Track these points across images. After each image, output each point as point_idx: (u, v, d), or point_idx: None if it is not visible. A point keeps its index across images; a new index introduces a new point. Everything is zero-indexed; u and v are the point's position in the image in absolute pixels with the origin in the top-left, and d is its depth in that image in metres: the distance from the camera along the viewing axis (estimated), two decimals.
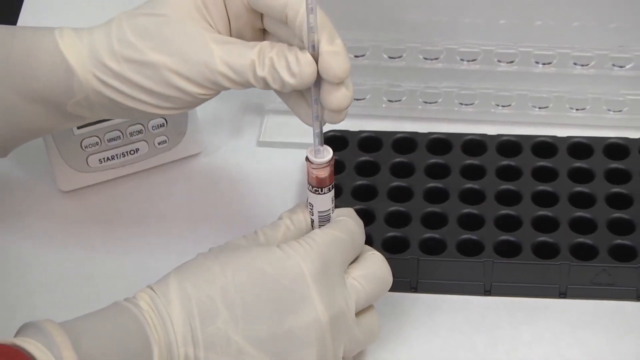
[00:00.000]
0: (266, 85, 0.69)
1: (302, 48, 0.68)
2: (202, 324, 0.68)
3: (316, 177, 0.72)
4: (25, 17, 0.98)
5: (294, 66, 0.67)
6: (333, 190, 0.73)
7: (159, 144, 0.86)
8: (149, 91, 0.70)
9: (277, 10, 0.68)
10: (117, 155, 0.85)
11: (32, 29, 0.72)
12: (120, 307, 0.68)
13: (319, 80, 0.68)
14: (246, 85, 0.69)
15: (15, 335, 0.65)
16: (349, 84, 0.68)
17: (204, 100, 0.71)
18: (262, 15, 0.71)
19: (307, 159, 0.71)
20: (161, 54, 0.69)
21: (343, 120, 0.69)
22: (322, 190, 0.72)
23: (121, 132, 0.84)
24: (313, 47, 0.67)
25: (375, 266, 0.72)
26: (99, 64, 0.70)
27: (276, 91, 0.71)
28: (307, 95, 0.70)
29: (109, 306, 0.68)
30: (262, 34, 0.72)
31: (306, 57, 0.67)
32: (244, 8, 0.70)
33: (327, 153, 0.71)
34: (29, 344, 0.63)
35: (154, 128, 0.85)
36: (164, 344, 0.67)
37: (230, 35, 0.71)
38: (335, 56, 0.67)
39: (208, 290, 0.68)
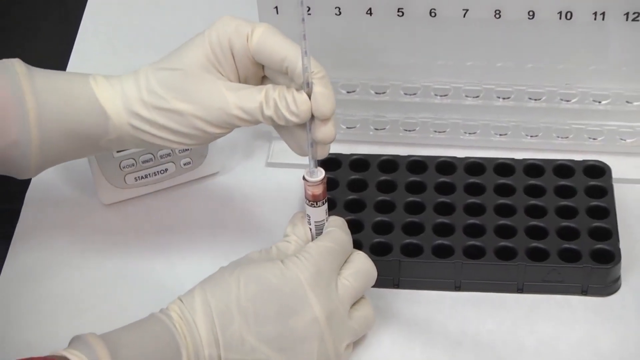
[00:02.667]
0: (272, 122, 0.70)
1: (298, 89, 0.69)
2: (221, 328, 0.68)
3: (312, 193, 0.72)
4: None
5: (293, 106, 0.69)
6: (327, 204, 0.73)
7: (184, 164, 0.86)
8: (175, 132, 0.71)
9: (277, 63, 0.70)
10: (149, 174, 0.85)
11: (69, 75, 0.73)
12: (154, 318, 0.69)
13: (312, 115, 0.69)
14: (256, 123, 0.71)
15: (67, 347, 0.65)
16: (334, 122, 0.70)
17: (220, 137, 0.72)
18: (263, 66, 0.72)
19: (304, 178, 0.72)
20: (185, 103, 0.70)
21: (326, 155, 0.71)
22: (317, 204, 0.73)
23: (153, 155, 0.84)
24: (307, 84, 0.68)
25: (360, 263, 0.73)
26: (131, 110, 0.71)
27: (275, 127, 0.72)
28: (298, 130, 0.71)
29: (146, 318, 0.69)
30: (265, 78, 0.73)
31: (302, 97, 0.69)
32: (249, 61, 0.71)
33: (320, 173, 0.72)
34: (75, 356, 0.64)
35: (180, 152, 0.85)
36: (192, 347, 0.68)
37: (239, 81, 0.72)
38: (325, 98, 0.69)
39: (225, 300, 0.69)
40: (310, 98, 0.69)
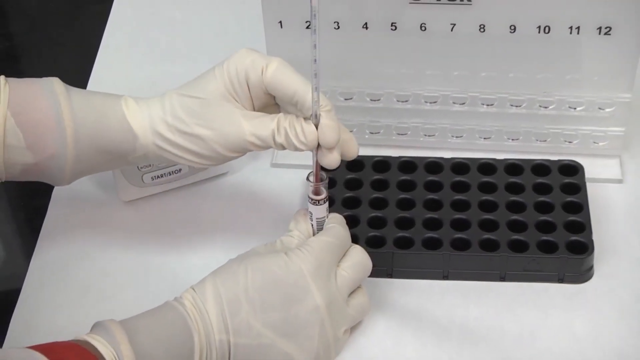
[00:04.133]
0: (283, 148, 0.71)
1: (307, 119, 0.70)
2: (231, 315, 0.68)
3: (314, 192, 0.72)
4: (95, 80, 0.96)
5: (302, 136, 0.69)
6: (327, 202, 0.73)
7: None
8: (195, 153, 0.72)
9: (288, 96, 0.70)
10: (165, 174, 0.84)
11: (103, 95, 0.74)
12: (169, 305, 0.68)
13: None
14: (267, 148, 0.72)
15: (89, 332, 0.66)
16: (339, 149, 0.71)
17: (234, 159, 0.73)
18: (275, 97, 0.73)
19: (307, 178, 0.72)
20: (205, 129, 0.71)
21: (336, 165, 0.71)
22: (319, 202, 0.73)
23: None
24: (316, 116, 0.69)
25: (357, 256, 0.73)
26: (156, 132, 0.72)
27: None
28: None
29: (161, 305, 0.69)
30: (275, 105, 0.74)
31: (310, 128, 0.69)
32: (263, 92, 0.72)
33: (322, 175, 0.72)
34: (96, 341, 0.64)
35: None
36: (203, 332, 0.67)
37: (254, 109, 0.72)
38: (330, 129, 0.69)
39: (234, 289, 0.69)
40: (317, 129, 0.69)
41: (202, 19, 1.01)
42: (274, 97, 0.72)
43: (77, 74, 0.96)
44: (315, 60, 0.67)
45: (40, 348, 0.61)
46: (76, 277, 0.79)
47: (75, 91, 0.73)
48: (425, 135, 0.86)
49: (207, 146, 0.71)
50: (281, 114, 0.71)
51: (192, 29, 1.00)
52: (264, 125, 0.71)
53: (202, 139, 0.71)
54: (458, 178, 0.82)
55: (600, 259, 0.78)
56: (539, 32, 0.79)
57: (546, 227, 0.78)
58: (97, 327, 0.66)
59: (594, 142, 0.85)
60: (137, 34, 1.01)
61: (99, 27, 1.01)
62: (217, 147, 0.71)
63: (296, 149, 0.70)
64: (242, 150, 0.72)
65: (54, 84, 0.72)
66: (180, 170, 0.84)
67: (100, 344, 0.63)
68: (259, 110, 0.73)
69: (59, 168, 0.72)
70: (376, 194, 0.81)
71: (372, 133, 0.87)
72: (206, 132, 0.71)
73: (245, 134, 0.70)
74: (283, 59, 0.82)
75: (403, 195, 0.81)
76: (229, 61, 0.72)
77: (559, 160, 0.83)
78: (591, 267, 0.77)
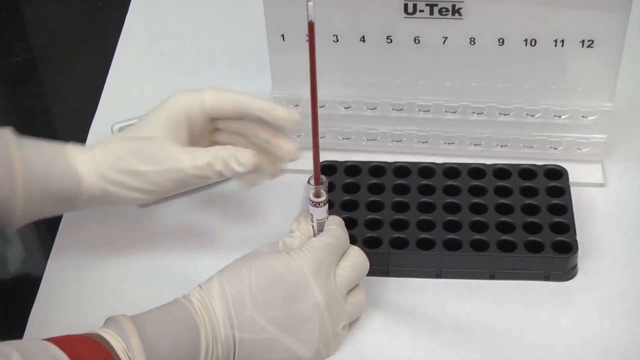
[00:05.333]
0: (222, 176, 0.72)
1: (245, 147, 0.72)
2: (236, 312, 0.67)
3: (315, 195, 0.71)
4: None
5: (241, 158, 0.71)
6: (327, 204, 0.72)
7: None
8: (139, 190, 0.72)
9: (233, 111, 0.73)
10: None
11: (51, 144, 0.73)
12: (177, 302, 0.68)
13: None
14: (207, 179, 0.73)
15: (102, 327, 0.65)
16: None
17: (178, 192, 0.75)
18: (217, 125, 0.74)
19: (308, 182, 0.71)
20: (148, 166, 0.71)
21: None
22: (319, 205, 0.72)
23: None
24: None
25: (355, 256, 0.72)
26: (101, 174, 0.72)
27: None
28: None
29: (170, 302, 0.68)
30: (214, 136, 0.75)
31: (249, 153, 0.71)
32: (203, 124, 0.73)
33: (322, 179, 0.71)
34: (107, 334, 0.63)
35: None
36: (209, 327, 0.67)
37: (194, 140, 0.74)
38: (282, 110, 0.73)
39: (239, 287, 0.68)
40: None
41: (209, 33, 1.01)
42: (215, 127, 0.74)
43: (92, 84, 0.96)
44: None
45: (55, 340, 0.61)
46: (91, 276, 0.79)
47: (26, 140, 0.72)
48: (419, 141, 0.86)
49: (150, 181, 0.71)
50: (217, 146, 0.72)
51: (200, 42, 1.00)
52: (201, 157, 0.71)
53: (144, 175, 0.71)
54: (450, 182, 0.81)
55: (584, 258, 0.77)
56: (526, 45, 0.79)
57: (533, 228, 0.77)
58: (109, 321, 0.65)
59: (578, 149, 0.84)
60: (149, 47, 1.00)
61: (113, 40, 1.01)
62: (160, 181, 0.71)
63: (234, 173, 0.71)
64: (183, 183, 0.72)
65: (6, 134, 0.71)
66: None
67: (111, 337, 0.63)
68: (200, 141, 0.74)
69: (8, 212, 0.70)
70: (373, 197, 0.81)
71: (369, 140, 0.86)
72: (149, 168, 0.71)
73: (185, 168, 0.71)
74: (284, 68, 0.83)
75: (398, 199, 0.80)
76: (166, 103, 0.73)
77: (545, 165, 0.82)
78: (575, 266, 0.77)
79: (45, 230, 0.84)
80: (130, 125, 0.77)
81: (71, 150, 0.73)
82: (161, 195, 0.73)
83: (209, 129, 0.75)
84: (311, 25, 0.64)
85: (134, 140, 0.72)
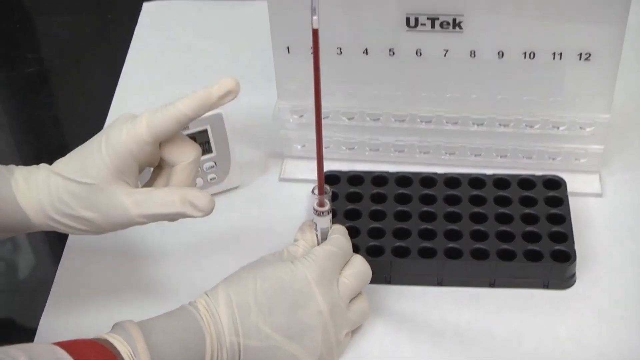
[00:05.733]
0: (173, 219, 0.69)
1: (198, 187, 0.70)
2: (241, 319, 0.67)
3: (319, 204, 0.71)
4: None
5: (199, 204, 0.68)
6: (331, 214, 0.72)
7: (210, 179, 0.84)
8: (85, 231, 0.69)
9: (173, 128, 0.68)
10: None
11: None
12: (183, 309, 0.68)
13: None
14: (154, 220, 0.69)
15: (109, 332, 0.65)
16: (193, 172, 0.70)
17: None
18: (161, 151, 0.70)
19: (312, 191, 0.71)
20: (90, 212, 0.68)
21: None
22: (323, 214, 0.72)
23: None
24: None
25: (358, 265, 0.72)
26: (47, 215, 0.69)
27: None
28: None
29: (176, 309, 0.68)
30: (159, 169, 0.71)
31: (207, 197, 0.68)
32: (147, 155, 0.69)
33: (326, 189, 0.70)
34: (114, 339, 0.63)
35: (206, 169, 0.83)
36: (215, 334, 0.66)
37: (140, 172, 0.70)
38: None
39: (244, 294, 0.67)
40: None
41: (216, 45, 1.01)
42: (160, 152, 0.69)
43: (102, 94, 0.96)
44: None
45: (63, 344, 0.61)
46: (100, 283, 0.79)
47: None
48: (421, 152, 0.86)
49: (95, 225, 0.68)
50: (166, 188, 0.68)
51: (208, 53, 1.00)
52: (150, 205, 0.68)
53: (88, 220, 0.68)
54: (451, 192, 0.81)
55: (582, 267, 0.77)
56: (525, 58, 0.79)
57: (532, 237, 0.77)
58: (116, 327, 0.65)
59: (576, 159, 0.84)
60: (157, 58, 1.00)
61: (122, 51, 1.01)
62: (104, 226, 0.69)
63: (189, 216, 0.68)
64: (130, 225, 0.69)
65: None
66: (196, 184, 0.83)
67: (118, 342, 0.63)
68: (149, 166, 0.70)
69: None
70: (375, 207, 0.80)
71: (371, 150, 0.86)
72: (92, 214, 0.68)
73: (132, 216, 0.68)
74: (289, 80, 0.83)
75: (400, 208, 0.80)
76: (108, 145, 0.67)
77: (544, 176, 0.82)
78: (574, 275, 0.77)
79: (55, 239, 0.84)
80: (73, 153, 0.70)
81: (16, 183, 0.69)
82: (104, 233, 0.69)
83: (156, 149, 0.69)
84: (315, 33, 0.63)
85: (77, 184, 0.67)
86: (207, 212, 0.68)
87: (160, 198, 0.68)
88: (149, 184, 0.71)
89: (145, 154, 0.68)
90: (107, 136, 0.68)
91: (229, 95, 0.69)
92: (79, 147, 0.69)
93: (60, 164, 0.69)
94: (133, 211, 0.68)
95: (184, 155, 0.69)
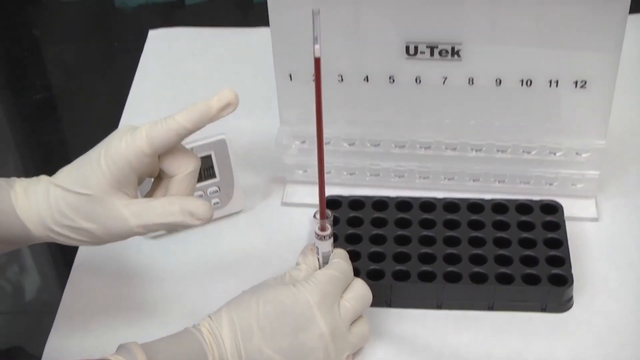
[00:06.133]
0: (171, 230, 0.70)
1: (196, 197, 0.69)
2: (244, 342, 0.67)
3: (320, 228, 0.71)
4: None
5: (198, 213, 0.67)
6: (332, 238, 0.72)
7: (214, 204, 0.84)
8: (85, 242, 0.68)
9: (173, 139, 0.67)
10: None
11: None
12: (187, 331, 0.67)
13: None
14: (153, 231, 0.68)
15: (113, 353, 0.65)
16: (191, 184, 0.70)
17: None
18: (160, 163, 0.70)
19: (314, 216, 0.71)
20: (90, 223, 0.67)
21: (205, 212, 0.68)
22: (324, 238, 0.72)
23: None
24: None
25: (359, 288, 0.71)
26: (47, 226, 0.68)
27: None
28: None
29: (180, 331, 0.67)
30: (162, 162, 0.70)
31: (206, 205, 0.67)
32: (146, 166, 0.68)
33: (327, 213, 0.70)
34: None
35: (210, 194, 0.83)
36: (218, 357, 0.66)
37: (140, 183, 0.69)
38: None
39: (247, 318, 0.67)
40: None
41: (220, 71, 1.01)
42: (159, 163, 0.69)
43: (108, 120, 0.96)
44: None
45: None
46: (105, 305, 0.78)
47: None
48: (420, 177, 0.86)
49: (95, 236, 0.68)
50: (165, 198, 0.68)
51: (212, 79, 1.00)
52: (149, 215, 0.67)
53: (88, 231, 0.67)
54: (450, 216, 0.81)
55: (579, 291, 0.77)
56: (522, 85, 0.79)
57: (530, 261, 0.77)
58: (120, 348, 0.65)
59: (572, 184, 0.84)
60: (162, 84, 1.00)
61: (128, 78, 1.01)
62: (104, 237, 0.68)
63: (187, 226, 0.67)
64: (130, 236, 0.68)
65: None
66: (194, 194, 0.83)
67: None
68: (148, 177, 0.69)
69: None
70: (376, 231, 0.80)
71: (372, 175, 0.86)
72: (92, 225, 0.67)
73: (131, 226, 0.67)
74: (292, 106, 0.83)
75: (400, 232, 0.80)
76: (107, 156, 0.67)
77: (541, 201, 0.82)
78: (571, 298, 0.76)
79: (61, 262, 0.84)
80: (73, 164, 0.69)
81: (15, 196, 0.68)
82: (103, 243, 0.68)
83: (155, 161, 0.69)
84: (317, 61, 0.63)
85: (76, 195, 0.66)
86: (206, 220, 0.67)
87: (159, 208, 0.67)
88: (149, 194, 0.71)
89: (144, 166, 0.67)
90: (106, 148, 0.67)
91: (229, 107, 0.68)
92: (79, 159, 0.69)
93: (60, 175, 0.68)
94: (132, 222, 0.67)
95: (183, 166, 0.68)
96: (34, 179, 0.69)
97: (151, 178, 0.71)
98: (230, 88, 0.68)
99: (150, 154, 0.67)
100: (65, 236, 0.68)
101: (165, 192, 0.69)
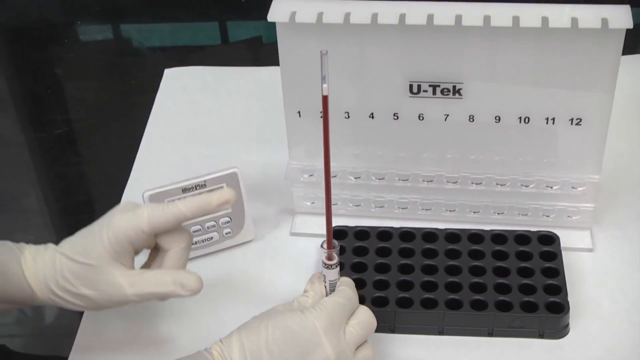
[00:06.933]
0: (165, 298, 0.72)
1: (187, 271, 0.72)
2: None
3: (328, 257, 0.71)
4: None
5: (188, 284, 0.71)
6: (339, 267, 0.72)
7: (226, 234, 0.85)
8: (84, 307, 0.72)
9: (172, 223, 0.72)
10: (198, 241, 0.84)
11: (6, 255, 0.72)
12: (199, 355, 0.68)
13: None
14: (147, 299, 0.71)
15: None
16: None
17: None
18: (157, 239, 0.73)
19: (321, 246, 0.71)
20: (90, 290, 0.71)
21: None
22: (331, 267, 0.72)
23: (201, 226, 0.83)
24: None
25: (364, 315, 0.72)
26: (50, 289, 0.71)
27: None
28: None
29: (192, 354, 0.68)
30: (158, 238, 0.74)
31: (195, 277, 0.71)
32: (144, 241, 0.72)
33: (334, 243, 0.71)
34: None
35: (222, 224, 0.84)
36: None
37: (136, 254, 0.73)
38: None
39: (256, 342, 0.68)
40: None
41: (232, 109, 1.02)
42: (155, 239, 0.73)
43: (125, 155, 0.97)
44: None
45: None
46: (121, 330, 0.79)
47: None
48: (423, 209, 0.86)
49: (93, 302, 0.71)
50: (159, 270, 0.72)
51: (224, 117, 1.01)
52: (143, 286, 0.70)
53: (88, 297, 0.71)
54: (451, 246, 0.82)
55: (575, 318, 0.77)
56: (520, 122, 0.80)
57: (528, 290, 0.77)
58: None
59: (568, 216, 0.85)
60: (177, 120, 1.01)
61: (145, 115, 1.02)
62: (102, 303, 0.71)
63: (181, 296, 0.71)
64: (126, 303, 0.71)
65: None
66: (212, 238, 0.84)
67: None
68: (146, 248, 0.73)
69: None
70: (380, 260, 0.81)
71: (377, 207, 0.87)
72: (91, 292, 0.70)
73: (127, 294, 0.70)
74: (300, 142, 0.83)
75: (404, 261, 0.80)
76: (109, 231, 0.70)
77: (538, 232, 0.82)
78: (567, 325, 0.77)
79: None
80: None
81: (25, 261, 0.71)
82: (102, 309, 0.72)
83: (152, 237, 0.73)
84: (325, 99, 0.65)
85: (79, 264, 0.70)
86: (196, 292, 0.71)
87: (153, 279, 0.71)
88: (146, 265, 0.75)
89: (142, 241, 0.72)
90: (108, 223, 0.71)
91: (226, 204, 0.72)
92: (83, 230, 0.73)
93: (66, 244, 0.72)
94: (128, 290, 0.70)
95: (177, 242, 0.72)
96: (42, 246, 0.73)
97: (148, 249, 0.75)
98: (231, 188, 0.73)
99: (149, 233, 0.71)
100: (66, 300, 0.71)
101: (160, 264, 0.73)
